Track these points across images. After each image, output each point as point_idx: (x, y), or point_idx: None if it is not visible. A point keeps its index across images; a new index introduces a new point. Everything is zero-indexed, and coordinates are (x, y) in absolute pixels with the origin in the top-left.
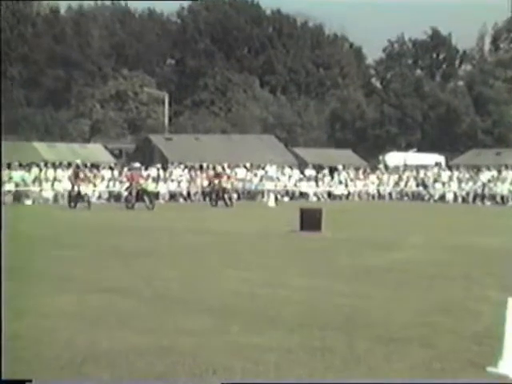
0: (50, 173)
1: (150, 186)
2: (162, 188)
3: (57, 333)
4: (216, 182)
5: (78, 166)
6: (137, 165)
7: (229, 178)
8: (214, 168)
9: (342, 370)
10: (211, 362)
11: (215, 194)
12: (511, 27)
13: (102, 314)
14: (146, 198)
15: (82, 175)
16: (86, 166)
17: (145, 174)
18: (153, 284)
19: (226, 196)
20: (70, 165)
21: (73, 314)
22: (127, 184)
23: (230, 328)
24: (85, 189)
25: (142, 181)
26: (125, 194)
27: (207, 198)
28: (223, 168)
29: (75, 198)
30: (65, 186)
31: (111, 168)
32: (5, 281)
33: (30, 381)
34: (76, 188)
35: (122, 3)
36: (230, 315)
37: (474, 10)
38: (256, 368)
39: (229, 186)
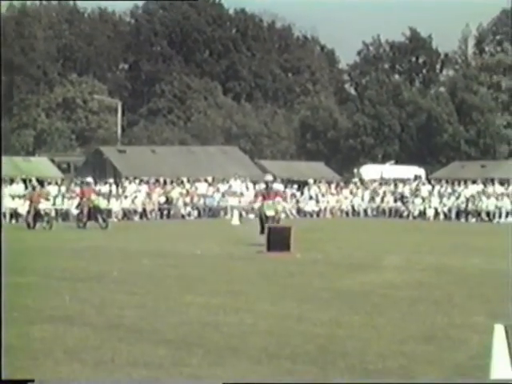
0: None
1: (103, 203)
2: (115, 205)
3: None
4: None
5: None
6: (89, 179)
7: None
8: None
9: None
10: None
11: (259, 220)
12: (497, 28)
13: (46, 347)
14: (98, 216)
15: (41, 193)
16: (30, 181)
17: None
18: (104, 312)
19: (265, 225)
20: (12, 181)
21: (13, 348)
22: (77, 201)
23: (190, 360)
24: (44, 207)
25: (94, 197)
26: (74, 211)
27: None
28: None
29: (34, 218)
30: (5, 203)
31: (57, 183)
32: None
33: (32, 381)
34: (35, 207)
35: (70, 2)
36: (189, 345)
37: (457, 9)
38: None
39: (272, 214)
